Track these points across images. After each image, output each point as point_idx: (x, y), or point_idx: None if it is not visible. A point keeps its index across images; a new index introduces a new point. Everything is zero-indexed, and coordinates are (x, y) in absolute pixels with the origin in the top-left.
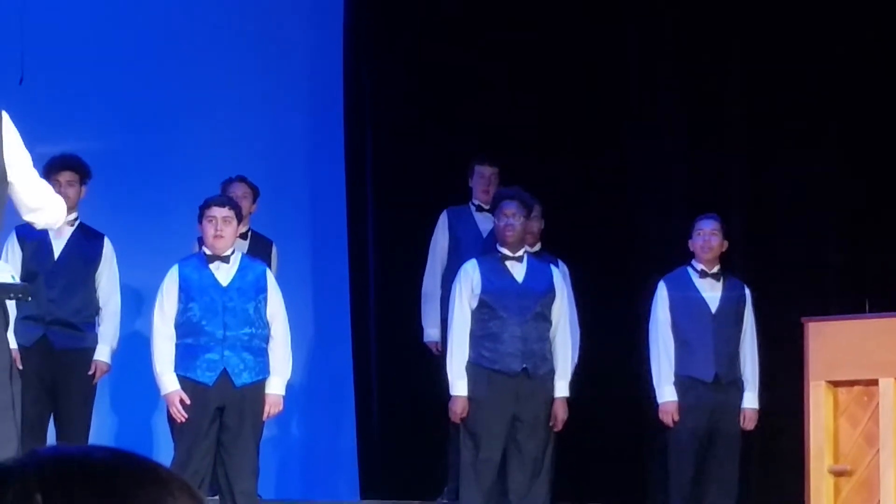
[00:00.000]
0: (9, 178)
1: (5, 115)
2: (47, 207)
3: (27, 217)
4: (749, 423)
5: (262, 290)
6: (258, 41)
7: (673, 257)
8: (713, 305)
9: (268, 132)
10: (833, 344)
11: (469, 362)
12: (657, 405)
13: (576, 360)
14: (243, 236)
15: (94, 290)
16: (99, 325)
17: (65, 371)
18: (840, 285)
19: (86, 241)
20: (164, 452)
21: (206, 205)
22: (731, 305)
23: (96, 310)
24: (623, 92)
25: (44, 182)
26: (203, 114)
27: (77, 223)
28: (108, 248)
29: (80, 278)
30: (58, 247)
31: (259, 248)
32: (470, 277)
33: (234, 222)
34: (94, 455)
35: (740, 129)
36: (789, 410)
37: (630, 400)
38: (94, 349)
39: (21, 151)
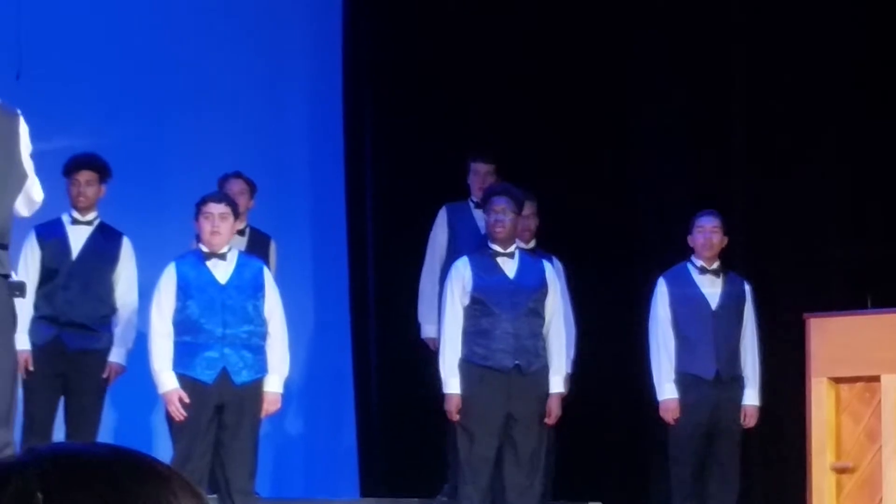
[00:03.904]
0: (26, 174)
1: (20, 115)
2: (39, 200)
3: (23, 209)
4: (750, 419)
5: (259, 287)
6: (257, 37)
7: (672, 253)
8: (713, 302)
9: (267, 128)
10: (835, 340)
11: (461, 359)
12: (658, 403)
13: (572, 356)
14: (241, 232)
15: (112, 291)
16: (115, 326)
17: (77, 372)
18: (842, 281)
19: (104, 241)
20: (162, 451)
21: (203, 201)
22: (732, 302)
23: (112, 310)
24: (625, 88)
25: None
26: (202, 110)
27: (97, 222)
28: (126, 248)
29: (97, 278)
30: (76, 246)
31: (258, 245)
32: (461, 275)
33: (231, 219)
34: (94, 452)
35: (742, 126)
36: (791, 407)
37: (631, 397)
38: (107, 350)
39: (29, 150)
